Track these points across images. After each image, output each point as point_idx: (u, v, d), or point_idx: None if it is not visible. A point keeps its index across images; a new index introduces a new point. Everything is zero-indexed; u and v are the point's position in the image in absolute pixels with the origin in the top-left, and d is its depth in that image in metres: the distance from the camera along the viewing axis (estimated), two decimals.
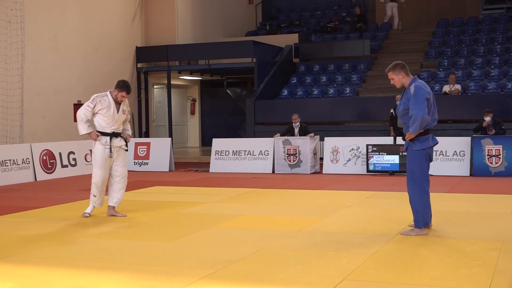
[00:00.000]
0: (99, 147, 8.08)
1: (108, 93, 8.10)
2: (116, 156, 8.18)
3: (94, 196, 8.27)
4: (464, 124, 15.29)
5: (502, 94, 15.98)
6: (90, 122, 8.13)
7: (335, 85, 18.52)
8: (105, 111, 7.99)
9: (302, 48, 20.43)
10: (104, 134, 8.07)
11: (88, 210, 8.32)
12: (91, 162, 15.00)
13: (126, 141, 8.27)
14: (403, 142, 7.01)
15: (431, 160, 6.84)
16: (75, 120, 17.01)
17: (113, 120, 8.04)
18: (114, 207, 8.29)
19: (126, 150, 8.29)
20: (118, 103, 8.05)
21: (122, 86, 8.04)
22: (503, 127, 13.23)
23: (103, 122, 8.04)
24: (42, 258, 5.99)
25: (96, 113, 8.02)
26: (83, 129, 8.03)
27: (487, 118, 13.21)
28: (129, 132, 8.43)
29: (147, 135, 19.86)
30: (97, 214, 8.51)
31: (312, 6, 24.67)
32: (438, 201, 8.30)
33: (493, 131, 13.06)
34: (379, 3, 23.96)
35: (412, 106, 6.60)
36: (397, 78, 6.79)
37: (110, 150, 8.07)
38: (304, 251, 6.06)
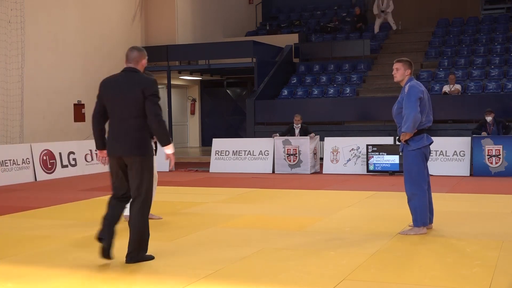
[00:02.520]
0: None
1: None
2: None
3: None
4: (464, 124, 15.28)
5: (502, 94, 15.98)
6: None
7: (335, 85, 18.52)
8: None
9: (302, 48, 20.43)
10: None
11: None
12: (91, 162, 15.10)
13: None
14: (398, 143, 7.01)
15: (427, 159, 6.85)
16: (75, 120, 17.20)
17: None
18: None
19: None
20: None
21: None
22: (508, 123, 13.25)
23: None
24: (42, 258, 5.99)
25: None
26: None
27: (489, 118, 13.23)
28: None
29: None
30: (95, 214, 8.49)
31: (312, 6, 24.67)
32: (438, 201, 8.30)
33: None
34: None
35: (404, 105, 6.64)
36: (402, 72, 6.81)
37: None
38: (304, 251, 6.06)
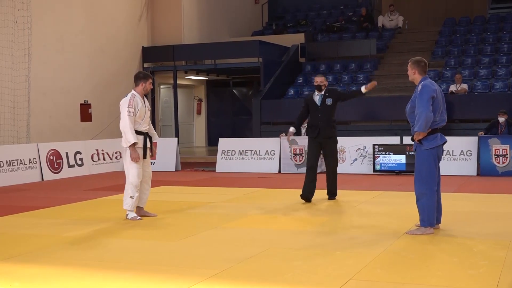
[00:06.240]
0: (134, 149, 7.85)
1: (134, 92, 7.91)
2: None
3: (132, 197, 7.90)
4: (471, 124, 15.24)
5: (509, 94, 15.92)
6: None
7: (341, 84, 18.49)
8: (138, 112, 7.86)
9: (308, 47, 20.41)
10: (138, 133, 7.87)
11: (132, 216, 7.95)
12: (97, 162, 15.13)
13: (152, 149, 8.11)
14: (412, 142, 6.97)
15: (439, 159, 6.80)
16: (82, 120, 17.24)
17: (143, 117, 7.92)
18: (143, 207, 8.17)
19: (151, 156, 8.14)
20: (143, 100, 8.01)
21: (145, 75, 7.98)
22: None
23: (137, 123, 7.87)
24: (48, 258, 6.01)
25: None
26: (132, 138, 7.72)
27: (501, 119, 13.21)
28: (157, 139, 8.32)
29: None
30: (102, 214, 8.52)
31: (318, 5, 24.65)
32: (445, 201, 8.25)
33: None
34: (385, 3, 23.92)
35: (417, 105, 6.59)
36: (410, 72, 6.87)
37: (145, 151, 7.93)
38: (310, 251, 6.06)
